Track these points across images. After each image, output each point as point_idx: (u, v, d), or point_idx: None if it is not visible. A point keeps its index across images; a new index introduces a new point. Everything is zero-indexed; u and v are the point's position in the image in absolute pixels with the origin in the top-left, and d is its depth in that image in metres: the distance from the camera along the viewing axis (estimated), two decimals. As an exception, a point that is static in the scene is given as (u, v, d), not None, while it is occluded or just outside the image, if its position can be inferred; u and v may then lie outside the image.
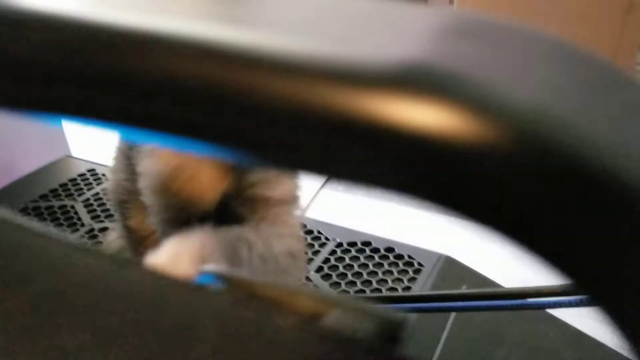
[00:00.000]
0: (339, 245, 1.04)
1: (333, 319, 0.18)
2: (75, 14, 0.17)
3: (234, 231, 0.69)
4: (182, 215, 0.72)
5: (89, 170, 1.24)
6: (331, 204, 1.61)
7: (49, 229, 0.22)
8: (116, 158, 0.84)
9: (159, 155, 0.71)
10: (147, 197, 0.73)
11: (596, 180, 0.13)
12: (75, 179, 1.21)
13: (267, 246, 0.69)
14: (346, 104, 0.13)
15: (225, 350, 0.17)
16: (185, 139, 0.16)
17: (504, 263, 1.51)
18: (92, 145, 1.75)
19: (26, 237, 0.22)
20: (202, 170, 0.71)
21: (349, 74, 0.14)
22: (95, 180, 1.21)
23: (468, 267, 0.97)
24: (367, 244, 1.04)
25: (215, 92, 0.15)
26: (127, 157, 0.80)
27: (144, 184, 0.73)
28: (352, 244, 1.04)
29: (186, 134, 0.16)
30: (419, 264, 0.98)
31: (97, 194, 1.17)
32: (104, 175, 1.22)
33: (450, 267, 0.96)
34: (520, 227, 0.13)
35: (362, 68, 0.14)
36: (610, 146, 0.13)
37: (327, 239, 1.06)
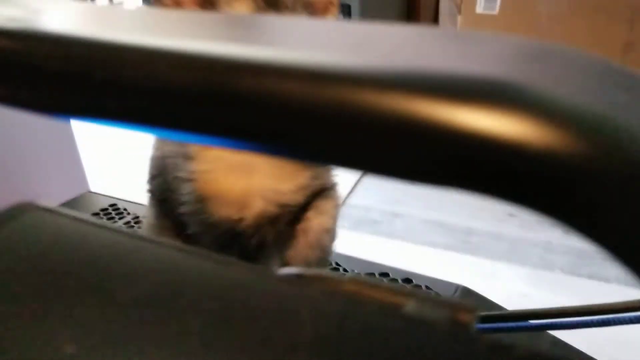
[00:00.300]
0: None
1: (411, 308, 0.21)
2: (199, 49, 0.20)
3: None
4: (232, 228, 0.72)
5: (110, 205, 1.27)
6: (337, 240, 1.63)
7: (137, 231, 0.25)
8: (149, 201, 0.86)
9: (205, 155, 0.71)
10: (190, 205, 0.73)
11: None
12: (98, 214, 1.24)
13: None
14: (454, 118, 0.16)
15: (324, 333, 0.20)
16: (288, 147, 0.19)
17: (517, 295, 1.52)
18: (111, 180, 1.79)
19: (121, 240, 0.25)
20: (262, 166, 0.71)
21: (450, 89, 0.17)
22: (117, 215, 1.24)
23: (485, 297, 0.99)
24: (385, 274, 1.06)
25: (335, 110, 0.18)
26: (157, 192, 0.82)
27: (186, 190, 0.72)
28: (370, 275, 1.06)
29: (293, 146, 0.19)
30: (437, 294, 1.00)
31: (129, 222, 1.20)
32: (125, 210, 1.25)
33: (468, 297, 0.98)
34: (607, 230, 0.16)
35: (460, 83, 0.17)
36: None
37: (345, 270, 1.09)
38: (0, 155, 1.17)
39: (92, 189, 1.37)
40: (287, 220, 0.76)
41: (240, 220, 0.72)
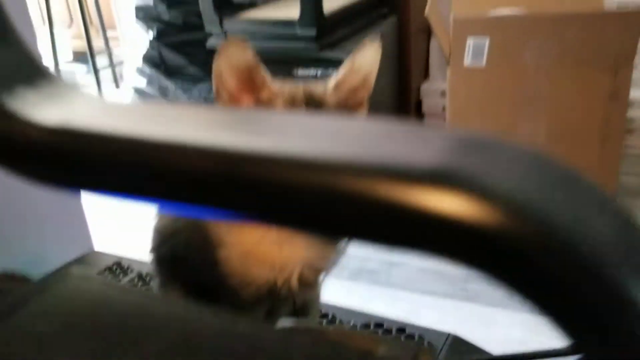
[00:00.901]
0: (354, 327, 1.11)
1: (382, 351, 0.26)
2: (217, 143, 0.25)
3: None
4: (271, 290, 0.80)
5: (115, 263, 1.32)
6: (336, 291, 1.66)
7: (162, 293, 0.30)
8: (155, 270, 0.93)
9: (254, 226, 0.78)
10: (231, 267, 0.80)
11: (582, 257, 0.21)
12: (103, 272, 1.29)
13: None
14: (405, 197, 0.22)
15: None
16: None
17: (515, 342, 1.55)
18: (115, 239, 1.83)
19: (146, 301, 0.30)
20: (303, 237, 0.79)
21: (395, 175, 0.22)
22: (122, 273, 1.29)
23: (474, 344, 1.02)
24: (379, 325, 1.10)
25: (326, 191, 0.23)
26: (169, 256, 0.88)
27: (231, 253, 0.79)
28: (366, 326, 1.11)
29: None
30: (429, 344, 1.04)
31: (133, 279, 1.24)
32: (129, 267, 1.30)
33: (459, 346, 1.02)
34: (535, 288, 0.21)
35: (411, 170, 0.22)
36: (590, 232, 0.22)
37: (341, 322, 1.13)
38: (5, 215, 1.21)
39: (97, 248, 1.41)
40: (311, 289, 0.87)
41: (283, 282, 0.80)
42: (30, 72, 0.33)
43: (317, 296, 0.94)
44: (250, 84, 0.76)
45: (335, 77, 0.81)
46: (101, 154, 0.28)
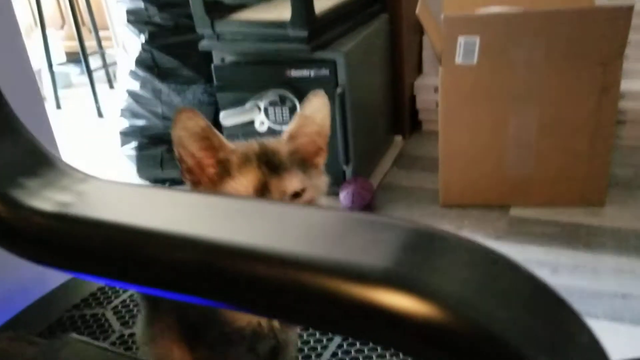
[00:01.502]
0: (345, 338, 1.14)
1: None
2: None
3: None
4: (255, 331, 0.89)
5: (99, 290, 1.35)
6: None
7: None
8: (141, 303, 0.98)
9: None
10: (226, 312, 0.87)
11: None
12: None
13: None
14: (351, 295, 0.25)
15: None
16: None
17: None
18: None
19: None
20: None
21: (352, 276, 0.25)
22: (105, 300, 1.32)
23: None
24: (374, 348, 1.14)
25: (297, 289, 0.26)
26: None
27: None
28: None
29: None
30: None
31: (125, 301, 1.27)
32: (113, 294, 1.33)
33: None
34: None
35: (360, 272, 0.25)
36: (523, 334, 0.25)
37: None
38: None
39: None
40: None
41: (266, 323, 0.88)
42: (33, 160, 0.35)
43: (296, 336, 0.99)
44: (208, 146, 0.83)
45: (288, 129, 0.87)
46: (94, 240, 0.31)
